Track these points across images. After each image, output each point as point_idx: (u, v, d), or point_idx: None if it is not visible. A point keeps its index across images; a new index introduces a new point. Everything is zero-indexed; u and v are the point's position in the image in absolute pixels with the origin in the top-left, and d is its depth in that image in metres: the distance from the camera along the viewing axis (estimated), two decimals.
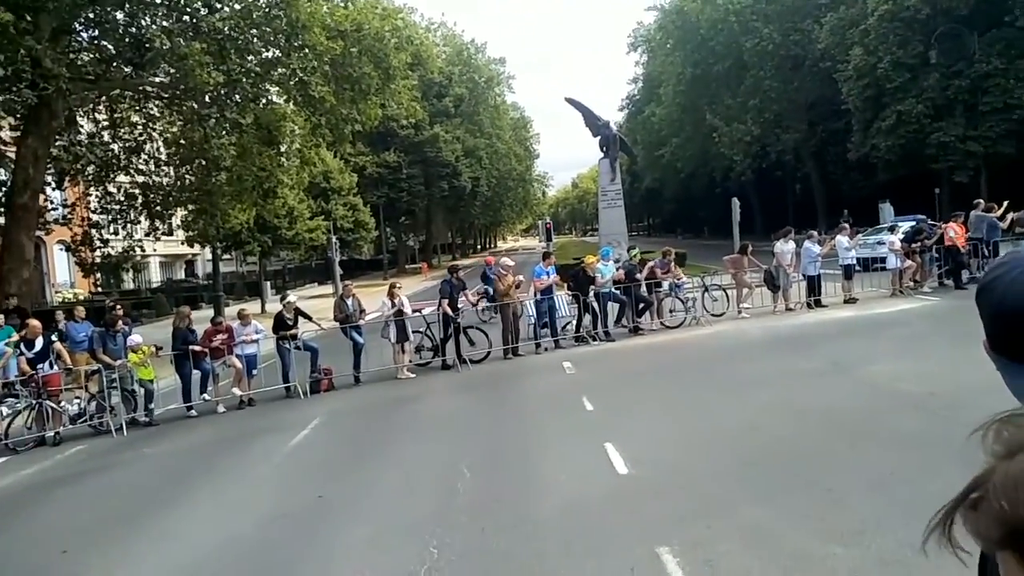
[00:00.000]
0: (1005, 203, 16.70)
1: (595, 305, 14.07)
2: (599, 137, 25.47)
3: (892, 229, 19.22)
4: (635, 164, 60.61)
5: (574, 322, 14.46)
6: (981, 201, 17.20)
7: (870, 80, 34.42)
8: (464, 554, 5.03)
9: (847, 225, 16.84)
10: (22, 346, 10.88)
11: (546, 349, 13.64)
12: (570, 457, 7.00)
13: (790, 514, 5.01)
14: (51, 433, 10.40)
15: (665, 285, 14.88)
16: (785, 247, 15.32)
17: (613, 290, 14.22)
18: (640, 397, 9.39)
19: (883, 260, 16.38)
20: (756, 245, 16.58)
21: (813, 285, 15.20)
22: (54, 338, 11.65)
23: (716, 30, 44.45)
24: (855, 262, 15.73)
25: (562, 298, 14.69)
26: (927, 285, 15.88)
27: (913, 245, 15.98)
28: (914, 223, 18.84)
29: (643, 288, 14.56)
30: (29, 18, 14.60)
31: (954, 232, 15.44)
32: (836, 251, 15.51)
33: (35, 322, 11.33)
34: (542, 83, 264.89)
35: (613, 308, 14.59)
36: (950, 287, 15.40)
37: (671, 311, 14.94)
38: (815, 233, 16.45)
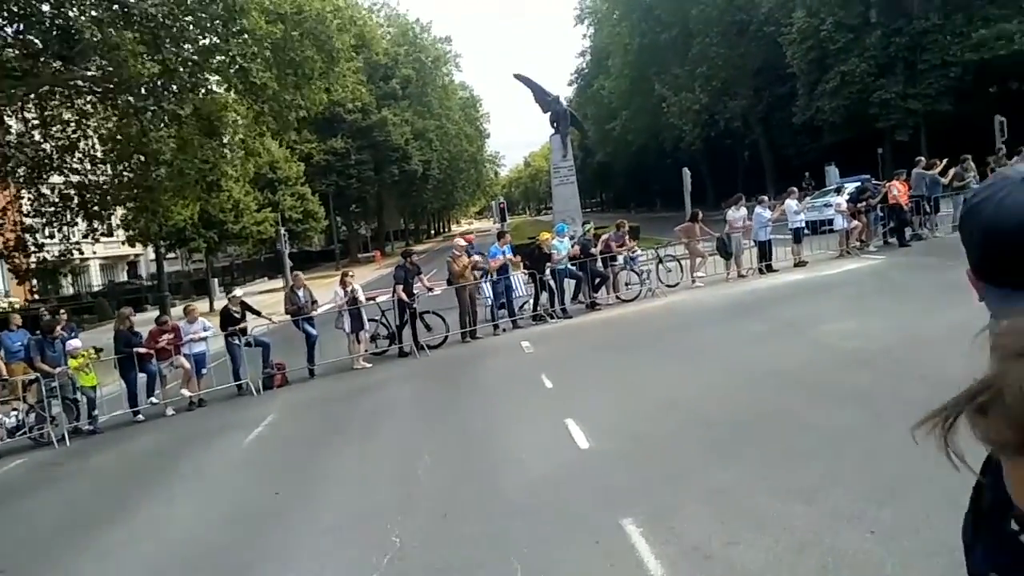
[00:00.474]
0: (944, 161, 17.09)
1: (551, 282, 14.00)
2: (549, 113, 25.21)
3: (839, 191, 19.56)
4: (586, 139, 60.57)
5: (531, 301, 14.38)
6: (922, 159, 17.57)
7: (814, 42, 34.94)
8: (427, 540, 4.97)
9: (795, 189, 17.04)
10: None
11: (504, 330, 13.53)
12: (531, 435, 6.97)
13: (750, 475, 5.07)
14: None
15: (620, 259, 14.88)
16: (736, 214, 15.45)
17: (569, 266, 14.16)
18: (599, 372, 9.38)
19: (831, 222, 16.65)
20: (707, 214, 16.74)
21: (764, 250, 15.38)
22: None
23: None
24: (804, 225, 15.95)
25: (518, 277, 14.56)
26: (872, 244, 16.19)
27: (859, 205, 16.28)
28: (859, 183, 19.18)
29: (599, 263, 14.53)
30: None
31: (897, 190, 15.75)
32: (786, 215, 15.70)
33: None
34: (490, 61, 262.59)
35: (569, 285, 14.55)
36: (894, 245, 15.74)
37: (627, 284, 14.96)
38: (765, 198, 16.64)
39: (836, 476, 4.78)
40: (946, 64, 30.92)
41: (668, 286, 14.89)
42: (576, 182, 25.19)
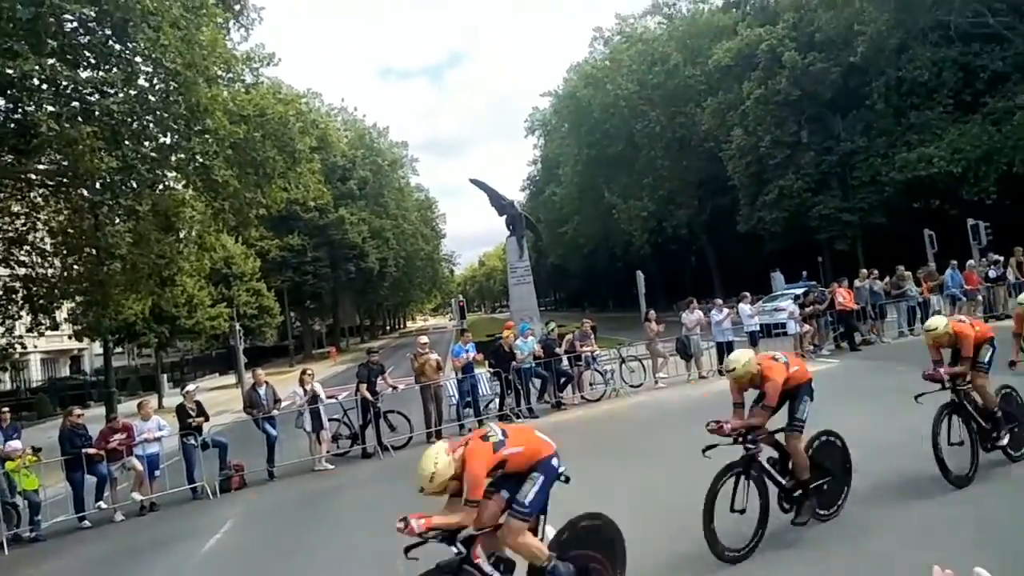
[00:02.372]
0: (875, 273, 18.12)
1: (516, 382, 13.99)
2: (505, 216, 25.93)
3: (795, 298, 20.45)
4: (540, 241, 62.22)
5: (496, 400, 14.30)
6: (864, 271, 18.59)
7: (753, 158, 37.28)
8: None
9: (748, 294, 17.74)
10: None
11: (470, 429, 13.32)
12: None
13: None
14: None
15: (584, 358, 15.02)
16: (691, 316, 15.90)
17: (534, 366, 14.22)
18: (571, 473, 9.21)
19: (783, 326, 17.28)
20: (660, 314, 17.19)
21: (723, 352, 15.74)
22: None
23: (608, 114, 47.02)
24: (758, 328, 16.48)
25: (483, 376, 14.51)
26: (825, 348, 16.79)
27: (806, 310, 16.96)
28: (805, 289, 20.11)
29: (564, 362, 14.65)
30: None
31: (843, 297, 16.52)
32: (740, 318, 16.23)
33: None
34: (444, 162, 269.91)
35: (535, 384, 14.55)
36: (846, 349, 16.35)
37: (591, 384, 15.05)
38: (719, 301, 17.22)
39: None
40: (876, 182, 33.25)
41: (632, 386, 15.03)
42: (533, 282, 25.69)
